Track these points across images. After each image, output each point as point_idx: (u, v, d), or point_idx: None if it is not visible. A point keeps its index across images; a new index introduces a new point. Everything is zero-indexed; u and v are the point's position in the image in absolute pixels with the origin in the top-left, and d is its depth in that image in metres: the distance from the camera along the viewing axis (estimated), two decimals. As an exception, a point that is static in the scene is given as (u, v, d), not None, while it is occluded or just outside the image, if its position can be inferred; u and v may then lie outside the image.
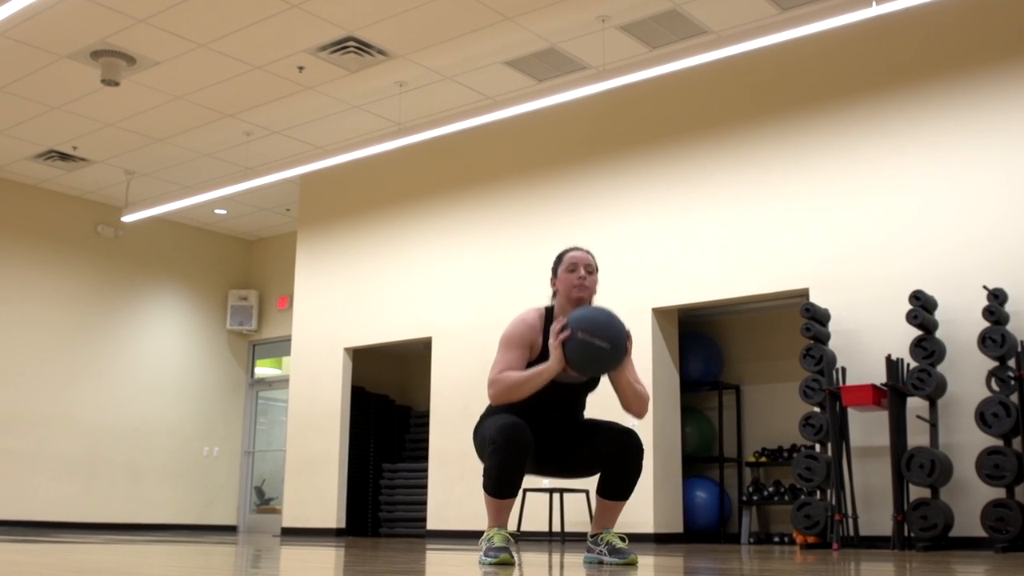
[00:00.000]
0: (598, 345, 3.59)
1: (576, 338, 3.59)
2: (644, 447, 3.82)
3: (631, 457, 3.78)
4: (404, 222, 10.50)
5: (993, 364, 6.69)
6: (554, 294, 3.92)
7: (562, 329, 3.62)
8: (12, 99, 9.41)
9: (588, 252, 3.92)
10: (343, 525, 10.40)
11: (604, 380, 3.86)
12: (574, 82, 7.97)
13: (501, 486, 3.71)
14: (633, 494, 3.92)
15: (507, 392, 3.72)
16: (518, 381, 3.70)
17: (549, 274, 3.98)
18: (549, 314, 3.88)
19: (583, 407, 4.00)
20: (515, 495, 3.77)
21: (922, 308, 6.90)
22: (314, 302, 11.14)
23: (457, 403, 9.50)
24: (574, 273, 3.83)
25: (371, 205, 10.87)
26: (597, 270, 3.91)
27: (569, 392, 3.86)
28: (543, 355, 3.76)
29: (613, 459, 3.79)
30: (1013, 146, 7.05)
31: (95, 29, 8.03)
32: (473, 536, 8.28)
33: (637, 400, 3.80)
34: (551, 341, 3.65)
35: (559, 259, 3.91)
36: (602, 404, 4.16)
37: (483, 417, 3.91)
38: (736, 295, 8.18)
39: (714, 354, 9.30)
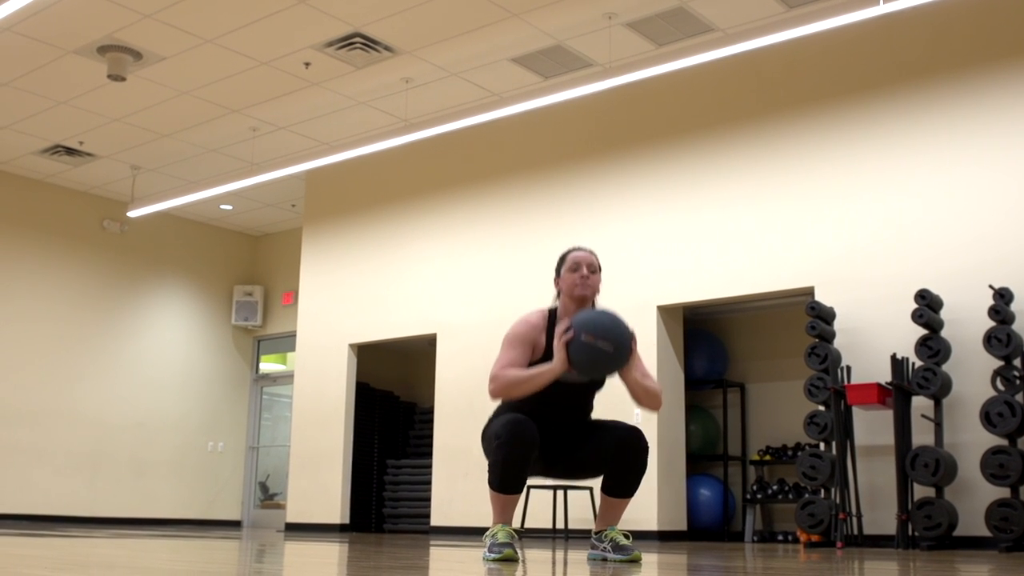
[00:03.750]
0: (601, 348, 3.59)
1: (579, 340, 3.59)
2: (648, 444, 3.82)
3: (635, 455, 3.78)
4: (409, 218, 10.50)
5: (998, 363, 6.68)
6: (558, 294, 3.93)
7: (566, 331, 3.62)
8: (19, 94, 9.42)
9: (591, 252, 3.92)
10: (347, 521, 10.42)
11: (612, 378, 3.85)
12: (581, 79, 7.96)
13: (506, 482, 3.71)
14: (637, 492, 3.91)
15: (507, 388, 3.72)
16: (519, 379, 3.70)
17: (553, 272, 3.98)
18: (552, 315, 3.88)
19: (591, 407, 4.00)
20: (520, 491, 3.77)
21: (927, 307, 6.89)
22: (319, 298, 11.15)
23: (462, 400, 9.51)
24: (576, 272, 3.84)
25: (377, 201, 10.87)
26: (600, 270, 3.91)
27: (576, 392, 3.86)
28: (546, 355, 3.76)
29: (617, 457, 3.79)
30: (1020, 145, 7.03)
31: (102, 24, 8.04)
32: (477, 532, 8.28)
33: (648, 396, 3.80)
34: (555, 343, 3.65)
35: (562, 259, 3.93)
36: (610, 403, 4.17)
37: (491, 419, 3.91)
38: (741, 293, 8.17)
39: (719, 352, 9.29)
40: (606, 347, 3.59)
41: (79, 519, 11.58)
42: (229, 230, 13.66)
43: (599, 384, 3.93)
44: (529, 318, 3.87)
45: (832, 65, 7.97)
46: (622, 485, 3.83)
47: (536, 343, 3.81)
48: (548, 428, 3.81)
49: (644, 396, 3.79)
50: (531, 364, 3.78)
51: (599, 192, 9.08)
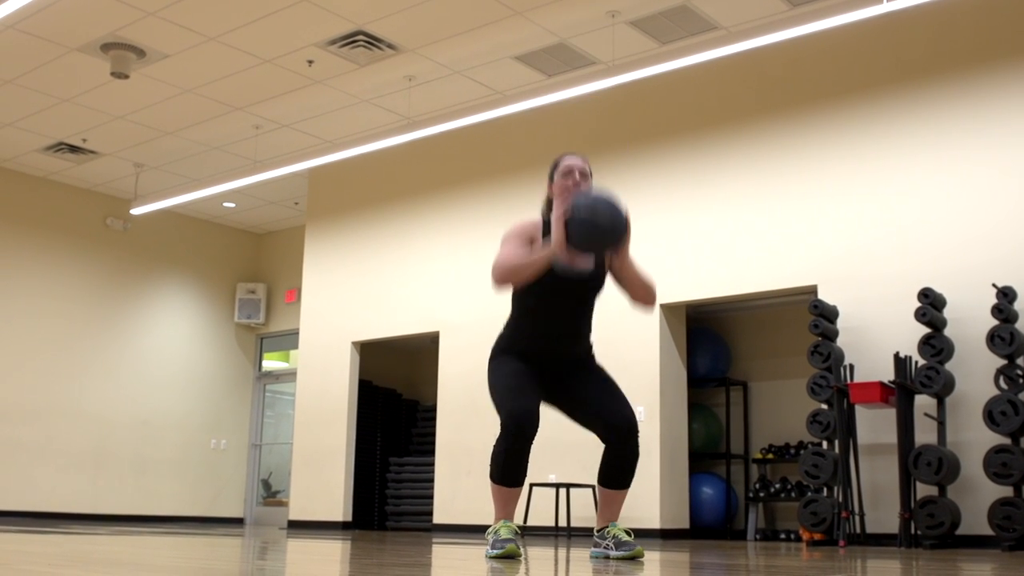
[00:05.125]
0: (599, 222, 3.57)
1: (577, 216, 3.57)
2: (638, 427, 3.81)
3: (624, 443, 3.78)
4: (412, 216, 10.50)
5: (1002, 362, 6.67)
6: (549, 201, 3.94)
7: (564, 211, 3.61)
8: (22, 91, 9.43)
9: (583, 158, 3.95)
10: (350, 518, 10.43)
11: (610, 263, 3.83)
12: (583, 77, 7.95)
13: (507, 474, 3.73)
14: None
15: (509, 274, 3.70)
16: (520, 263, 3.67)
17: (547, 179, 4.00)
18: (546, 225, 3.88)
19: (591, 311, 3.92)
20: (520, 484, 3.78)
21: (931, 306, 6.88)
22: (322, 296, 11.16)
23: (464, 397, 9.51)
24: (568, 178, 3.87)
25: (379, 199, 10.88)
26: (592, 176, 3.92)
27: (576, 291, 3.82)
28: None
29: (610, 446, 3.79)
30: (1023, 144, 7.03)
31: (105, 22, 8.05)
32: (479, 530, 8.29)
33: (644, 289, 3.82)
34: (553, 217, 3.64)
35: (555, 165, 3.95)
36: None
37: (494, 352, 3.90)
38: (744, 291, 8.17)
39: (722, 350, 9.29)
40: (604, 221, 3.58)
41: (82, 516, 11.60)
42: (232, 228, 13.67)
43: (599, 281, 3.88)
44: (525, 219, 3.90)
45: (835, 64, 7.96)
46: (617, 475, 3.83)
47: (534, 238, 3.81)
48: (550, 336, 3.80)
49: (640, 287, 3.80)
50: None
51: (602, 190, 9.06)
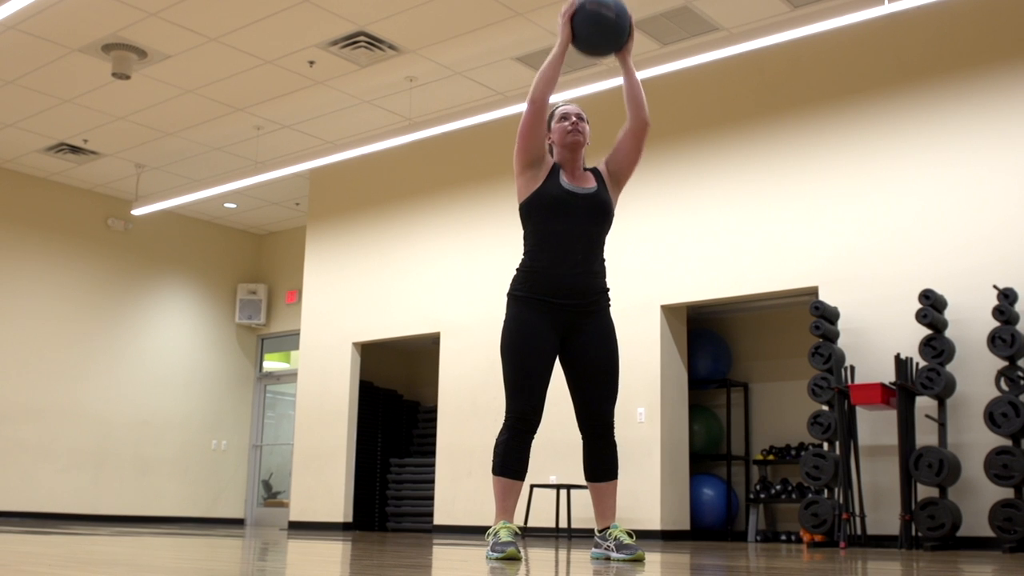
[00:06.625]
0: (604, 13, 3.73)
1: (583, 9, 3.73)
2: (612, 421, 3.87)
3: (600, 441, 3.84)
4: (413, 217, 10.51)
5: (1003, 364, 6.67)
6: (550, 148, 4.05)
7: (569, 7, 3.77)
8: (23, 92, 9.44)
9: (577, 105, 4.14)
10: (350, 519, 10.43)
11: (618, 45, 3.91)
12: (584, 78, 7.96)
13: (508, 464, 3.77)
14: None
15: (538, 87, 3.90)
16: (543, 71, 3.87)
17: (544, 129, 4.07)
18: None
19: (603, 241, 3.98)
20: (522, 477, 3.82)
21: (932, 307, 6.88)
22: (323, 297, 11.16)
23: (465, 399, 9.50)
24: (566, 121, 4.03)
25: (380, 200, 10.88)
26: (587, 120, 4.11)
27: (586, 211, 3.89)
28: (549, 188, 3.89)
29: (585, 438, 3.86)
30: (1025, 145, 7.02)
31: (107, 23, 8.05)
32: (480, 531, 8.29)
33: (640, 97, 4.05)
34: (559, 17, 3.80)
35: (551, 115, 4.06)
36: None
37: (510, 300, 3.91)
38: (745, 293, 8.17)
39: (722, 352, 9.28)
40: (608, 13, 3.74)
41: (83, 517, 11.60)
42: (233, 228, 13.67)
43: (608, 213, 3.97)
44: None
45: (836, 65, 7.96)
46: (598, 467, 3.88)
47: (544, 160, 3.97)
48: (566, 270, 3.83)
49: (638, 94, 4.02)
50: (537, 197, 3.87)
51: (603, 191, 9.06)
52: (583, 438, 3.88)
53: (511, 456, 3.77)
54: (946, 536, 6.51)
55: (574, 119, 4.04)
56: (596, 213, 3.95)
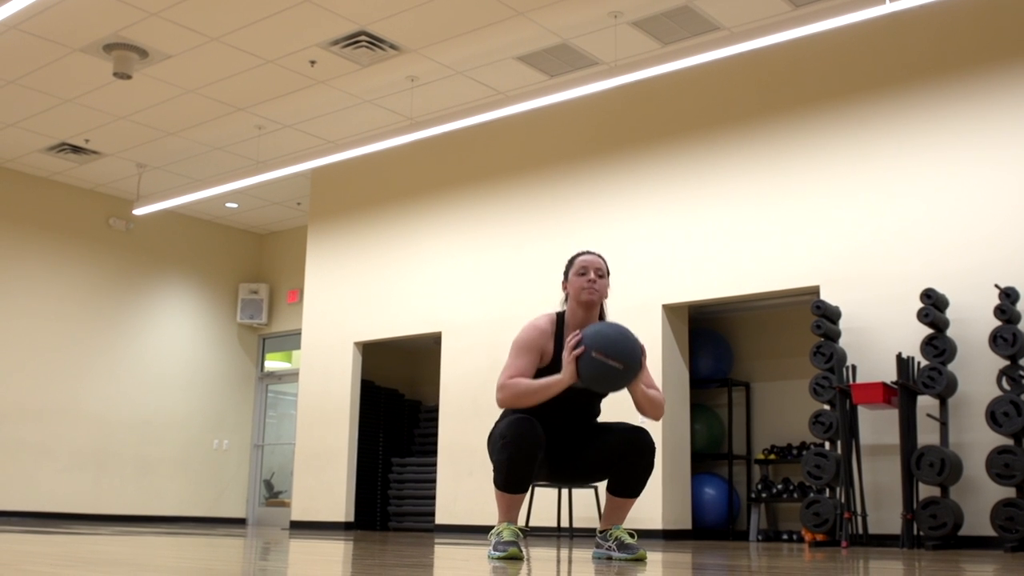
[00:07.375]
0: (611, 365, 3.58)
1: (589, 356, 3.58)
2: (655, 445, 3.81)
3: (641, 456, 3.76)
4: (415, 217, 10.50)
5: (1004, 363, 6.67)
6: (565, 298, 3.93)
7: (576, 345, 3.60)
8: (25, 92, 9.44)
9: (599, 256, 3.93)
10: (352, 519, 10.43)
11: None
12: (586, 78, 7.95)
13: (511, 481, 3.72)
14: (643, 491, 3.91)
15: (515, 399, 3.72)
16: (527, 390, 3.70)
17: (559, 273, 3.99)
18: (560, 319, 3.88)
19: (597, 412, 3.99)
20: (525, 490, 3.78)
21: (933, 306, 6.88)
22: (324, 296, 11.16)
23: (466, 398, 9.51)
24: (584, 277, 3.84)
25: (382, 200, 10.88)
26: (608, 274, 3.91)
27: (582, 397, 3.85)
28: (554, 361, 3.76)
29: (624, 458, 3.77)
30: (1026, 144, 7.02)
31: (108, 22, 8.05)
32: (482, 531, 8.29)
33: (652, 406, 3.79)
34: (564, 355, 3.64)
35: (570, 263, 3.93)
36: (616, 405, 4.16)
37: (496, 423, 3.90)
38: (747, 292, 8.16)
39: (724, 351, 9.28)
40: (616, 365, 3.58)
41: (84, 516, 11.61)
42: (234, 228, 13.68)
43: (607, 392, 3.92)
44: (537, 323, 3.86)
45: (837, 64, 7.96)
46: (628, 486, 3.83)
47: (544, 350, 3.81)
48: (554, 432, 3.80)
49: (648, 406, 3.78)
50: (539, 372, 3.77)
51: (604, 190, 9.07)
52: (622, 456, 3.77)
53: (514, 474, 3.70)
54: (948, 535, 6.51)
55: (593, 276, 3.84)
56: (595, 397, 3.93)
